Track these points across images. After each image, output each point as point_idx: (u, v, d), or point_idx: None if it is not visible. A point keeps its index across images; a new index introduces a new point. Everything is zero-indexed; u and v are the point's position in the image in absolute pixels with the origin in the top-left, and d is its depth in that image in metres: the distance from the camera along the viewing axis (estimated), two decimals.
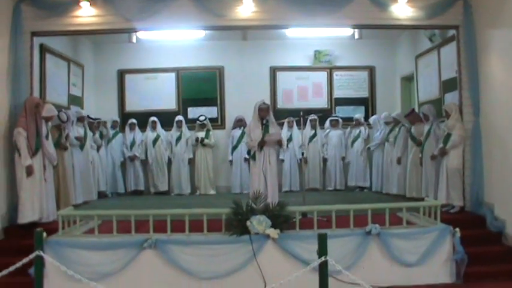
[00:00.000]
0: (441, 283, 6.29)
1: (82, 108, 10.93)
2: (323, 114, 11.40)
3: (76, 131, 9.49)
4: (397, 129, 10.19)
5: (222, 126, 12.35)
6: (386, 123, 10.70)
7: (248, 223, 6.11)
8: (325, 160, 11.99)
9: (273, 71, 12.42)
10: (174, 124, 11.78)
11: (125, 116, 12.21)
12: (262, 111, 7.68)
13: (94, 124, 10.69)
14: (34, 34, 8.12)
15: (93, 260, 6.03)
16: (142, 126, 11.92)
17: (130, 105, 12.39)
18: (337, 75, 12.49)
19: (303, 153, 9.27)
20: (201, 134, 11.78)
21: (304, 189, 8.56)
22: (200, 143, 11.71)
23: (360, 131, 11.70)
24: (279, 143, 7.89)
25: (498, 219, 7.25)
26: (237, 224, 6.18)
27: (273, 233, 6.08)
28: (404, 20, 8.26)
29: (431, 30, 9.45)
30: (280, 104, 12.40)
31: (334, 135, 11.91)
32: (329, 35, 11.41)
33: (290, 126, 11.86)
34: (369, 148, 11.54)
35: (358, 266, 6.08)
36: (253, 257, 6.04)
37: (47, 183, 7.53)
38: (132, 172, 11.84)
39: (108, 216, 6.59)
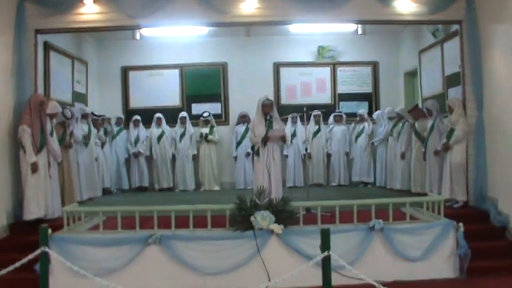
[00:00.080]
0: (445, 278, 6.31)
1: (86, 105, 10.95)
2: (327, 110, 11.37)
3: (80, 128, 9.51)
4: (400, 124, 10.18)
5: (225, 122, 12.37)
6: (390, 118, 10.70)
7: (252, 219, 6.14)
8: (329, 155, 12.00)
9: (277, 66, 12.42)
10: (178, 120, 11.80)
11: (129, 112, 12.23)
12: (265, 107, 7.68)
13: (98, 121, 10.71)
14: (38, 32, 8.15)
15: (98, 256, 6.08)
16: (147, 123, 11.93)
17: (135, 102, 12.40)
18: (340, 70, 12.48)
19: (306, 149, 9.28)
20: (205, 130, 11.80)
21: (308, 184, 8.56)
22: (204, 139, 11.73)
23: (363, 127, 11.70)
24: (283, 138, 7.89)
25: (502, 214, 7.24)
26: (241, 220, 6.21)
27: (277, 228, 6.10)
28: (407, 15, 8.26)
29: (435, 26, 9.45)
30: (284, 100, 12.41)
31: (338, 130, 11.92)
32: (332, 30, 11.44)
33: (294, 122, 11.87)
34: (372, 143, 11.54)
35: (362, 261, 6.10)
36: (257, 253, 6.07)
37: (51, 180, 7.57)
38: (137, 168, 11.87)
39: (113, 212, 6.62)
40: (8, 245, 6.83)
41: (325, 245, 4.67)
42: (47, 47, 9.22)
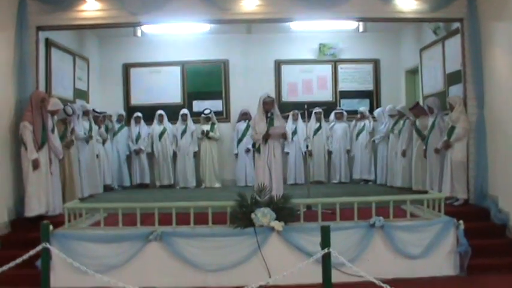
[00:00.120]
0: (445, 275, 6.32)
1: (88, 102, 10.98)
2: (328, 107, 11.35)
3: (82, 125, 9.53)
4: (401, 122, 10.19)
5: (227, 119, 12.38)
6: (391, 116, 10.71)
7: (253, 216, 6.16)
8: (330, 153, 12.02)
9: (278, 64, 12.43)
10: (179, 117, 11.81)
11: (130, 109, 12.24)
12: (266, 105, 7.68)
13: (99, 118, 10.72)
14: (39, 28, 8.16)
15: (99, 253, 6.10)
16: (148, 120, 11.95)
17: (136, 99, 12.42)
18: (341, 68, 12.49)
19: (307, 146, 9.29)
20: (206, 127, 11.81)
21: (309, 182, 8.57)
22: (205, 136, 11.74)
23: (364, 124, 11.70)
24: (284, 136, 7.90)
25: (502, 212, 7.25)
26: (241, 217, 6.23)
27: (278, 225, 6.12)
28: (408, 13, 8.26)
29: (436, 23, 9.45)
30: (285, 97, 12.42)
31: (339, 128, 11.93)
32: (333, 28, 11.38)
33: (295, 119, 11.88)
34: (373, 141, 11.55)
35: (362, 259, 6.12)
36: (258, 249, 6.09)
37: (53, 177, 7.58)
38: (138, 165, 11.89)
39: (114, 209, 6.65)
40: (9, 242, 6.84)
41: (325, 242, 4.68)
42: (49, 43, 9.23)
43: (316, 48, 12.42)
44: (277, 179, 7.58)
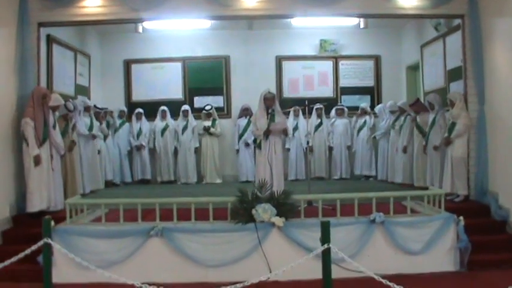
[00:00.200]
0: (445, 271, 6.35)
1: (89, 98, 10.97)
2: (329, 103, 11.41)
3: (83, 121, 9.54)
4: (402, 118, 10.20)
5: (228, 115, 12.39)
6: (392, 112, 10.70)
7: (253, 211, 6.18)
8: (330, 149, 12.03)
9: (279, 60, 12.43)
10: (180, 113, 11.81)
11: (131, 105, 12.25)
12: (267, 101, 7.67)
13: (101, 114, 10.73)
14: (41, 25, 8.16)
15: (100, 248, 6.13)
16: (149, 116, 11.96)
17: (137, 95, 12.43)
18: (342, 64, 12.49)
19: (308, 142, 9.29)
20: (207, 123, 11.83)
21: (310, 177, 8.59)
22: (207, 131, 11.76)
23: (365, 120, 11.71)
24: (285, 132, 7.90)
25: (502, 208, 7.26)
26: (242, 213, 6.25)
27: (278, 221, 6.14)
28: (409, 9, 8.26)
29: (437, 19, 9.44)
30: (286, 93, 12.42)
31: (340, 124, 11.94)
32: (334, 24, 11.40)
33: (296, 115, 11.89)
34: (374, 137, 11.56)
35: (363, 254, 6.15)
36: (259, 245, 6.12)
37: (54, 173, 7.60)
38: (139, 161, 11.91)
39: (115, 204, 6.68)
40: (11, 237, 6.89)
41: (325, 238, 4.70)
42: (50, 40, 9.23)
43: (317, 44, 12.41)
44: (278, 175, 7.57)
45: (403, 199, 6.92)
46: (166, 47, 12.24)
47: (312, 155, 11.64)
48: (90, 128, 9.77)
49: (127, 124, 11.95)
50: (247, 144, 11.68)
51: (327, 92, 12.44)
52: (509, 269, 6.34)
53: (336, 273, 5.05)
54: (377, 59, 12.46)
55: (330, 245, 4.68)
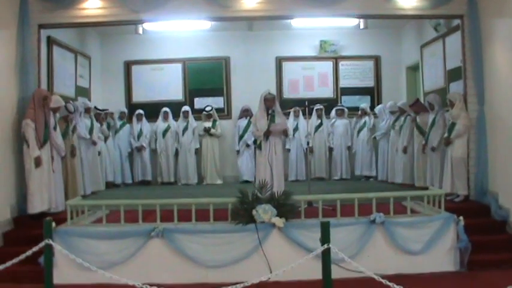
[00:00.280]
0: (445, 271, 6.36)
1: (89, 99, 10.98)
2: (329, 104, 11.43)
3: (84, 123, 9.56)
4: (402, 118, 10.21)
5: (228, 116, 12.40)
6: (392, 112, 10.71)
7: (254, 212, 6.19)
8: (331, 149, 12.05)
9: (279, 61, 12.45)
10: (181, 114, 11.83)
11: (131, 106, 12.26)
12: (268, 102, 7.68)
13: (101, 115, 10.76)
14: (41, 26, 8.18)
15: (101, 249, 6.14)
16: (150, 117, 11.98)
17: (137, 96, 12.45)
18: (342, 65, 12.50)
19: (308, 143, 9.30)
20: (208, 124, 11.84)
21: (310, 178, 8.60)
22: (207, 132, 11.77)
23: (365, 121, 11.72)
24: (285, 132, 7.91)
25: (502, 208, 7.27)
26: (243, 213, 6.26)
27: (279, 221, 6.15)
28: (409, 10, 8.29)
29: (437, 20, 9.45)
30: (286, 94, 12.44)
31: (340, 124, 11.95)
32: (334, 24, 11.42)
33: (296, 116, 11.90)
34: (374, 138, 11.56)
35: (363, 255, 6.16)
36: (259, 246, 6.13)
37: (55, 174, 7.61)
38: (140, 162, 11.92)
39: (116, 206, 6.69)
40: (12, 238, 6.90)
41: (324, 238, 4.71)
42: (50, 41, 9.24)
43: (317, 45, 12.42)
44: (278, 176, 7.59)
45: (403, 199, 6.93)
46: (166, 48, 12.26)
47: (312, 156, 11.66)
48: (91, 130, 9.76)
49: (127, 125, 11.95)
50: (247, 145, 11.68)
51: (327, 92, 12.45)
52: (509, 269, 6.34)
53: (336, 273, 5.07)
54: (377, 60, 12.47)
55: (330, 245, 4.69)
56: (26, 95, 7.64)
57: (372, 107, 12.03)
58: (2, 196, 7.15)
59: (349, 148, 12.01)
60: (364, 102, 12.10)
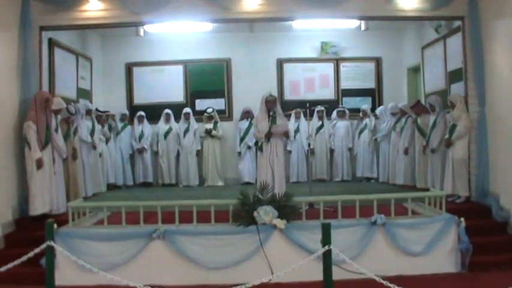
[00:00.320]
0: (446, 272, 6.35)
1: (91, 101, 11.01)
2: (330, 106, 11.46)
3: (85, 125, 9.57)
4: (403, 120, 10.22)
5: (229, 118, 12.41)
6: (393, 114, 10.72)
7: (255, 214, 6.19)
8: (332, 151, 12.05)
9: (280, 62, 12.46)
10: (182, 116, 11.85)
11: (133, 108, 12.27)
12: (269, 103, 7.68)
13: (102, 117, 10.78)
14: (42, 28, 8.21)
15: (102, 251, 6.15)
16: (151, 119, 11.99)
17: (139, 98, 12.46)
18: (343, 66, 12.51)
19: (309, 144, 9.31)
20: (209, 126, 11.84)
21: (311, 180, 8.59)
22: (208, 134, 11.78)
23: (366, 122, 11.72)
24: (286, 134, 7.91)
25: (503, 209, 7.27)
26: (244, 215, 6.27)
27: (280, 223, 6.16)
28: (409, 12, 8.30)
29: (437, 21, 9.46)
30: (288, 96, 12.45)
31: (341, 126, 11.95)
32: (335, 26, 11.36)
33: (297, 118, 11.91)
34: (375, 139, 11.56)
35: (364, 256, 6.16)
36: (260, 247, 6.13)
37: (56, 176, 7.63)
38: (141, 164, 11.92)
39: (117, 207, 6.70)
40: (14, 240, 6.92)
41: (325, 240, 4.72)
42: (52, 43, 9.26)
43: (318, 46, 12.44)
44: (280, 177, 7.59)
45: (404, 201, 6.93)
46: (167, 50, 12.28)
47: (313, 157, 11.67)
48: (92, 132, 9.79)
49: (129, 127, 11.95)
50: (248, 147, 11.68)
51: (328, 94, 12.46)
52: (510, 270, 6.34)
53: (337, 274, 5.06)
54: (378, 61, 12.48)
55: (331, 247, 4.70)
56: (28, 97, 7.66)
57: (373, 109, 12.04)
58: (3, 198, 7.17)
59: (350, 150, 12.01)
60: (365, 104, 12.11)
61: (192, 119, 11.85)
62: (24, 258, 5.03)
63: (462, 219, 6.39)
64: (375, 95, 12.47)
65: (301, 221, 6.40)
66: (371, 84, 12.50)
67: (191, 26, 10.80)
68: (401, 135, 10.18)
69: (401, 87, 12.32)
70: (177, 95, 12.43)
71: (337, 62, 12.49)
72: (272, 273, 5.77)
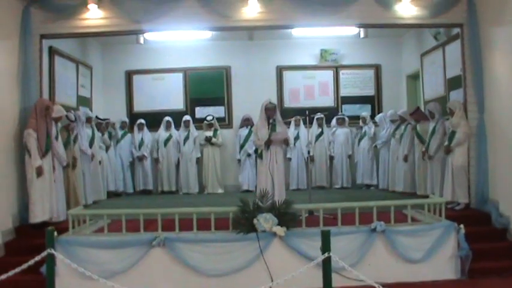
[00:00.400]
0: (446, 279, 6.33)
1: (91, 109, 11.04)
2: (329, 113, 11.49)
3: (85, 133, 9.58)
4: (403, 127, 10.23)
5: (229, 125, 12.44)
6: (392, 121, 10.74)
7: (255, 221, 6.19)
8: (331, 158, 12.06)
9: (280, 70, 12.49)
10: (182, 124, 11.87)
11: (133, 116, 12.29)
12: (268, 111, 7.68)
13: (102, 125, 10.80)
14: (43, 37, 8.22)
15: (103, 258, 6.13)
16: (151, 126, 12.01)
17: (139, 106, 12.48)
18: (343, 73, 12.54)
19: (309, 152, 9.31)
20: (209, 134, 11.86)
21: (311, 187, 8.60)
22: (208, 141, 11.79)
23: (365, 130, 11.74)
24: (286, 141, 7.91)
25: (503, 216, 7.27)
26: (244, 222, 6.26)
27: (280, 230, 6.15)
28: (408, 19, 8.32)
29: (436, 29, 9.49)
30: (287, 103, 12.47)
31: (341, 133, 11.97)
32: (335, 34, 11.43)
33: (297, 125, 11.93)
34: (375, 146, 11.58)
35: (364, 263, 6.15)
36: (260, 255, 6.12)
37: (56, 184, 7.64)
38: (141, 172, 11.93)
39: (117, 215, 6.69)
40: (14, 248, 6.92)
41: (325, 247, 4.73)
42: (52, 51, 9.30)
43: (317, 54, 12.48)
44: (279, 185, 7.58)
45: (403, 208, 6.94)
46: (167, 58, 12.32)
47: (313, 165, 11.68)
48: (92, 140, 9.81)
49: (129, 135, 11.97)
50: (248, 155, 11.69)
51: (328, 101, 12.50)
52: (510, 277, 6.33)
53: (337, 281, 5.09)
54: (377, 68, 12.52)
55: (331, 254, 4.71)
56: (28, 104, 7.68)
57: (373, 116, 12.06)
58: (3, 205, 7.17)
59: (350, 157, 12.03)
60: (364, 111, 12.14)
61: (192, 126, 11.88)
62: (24, 266, 5.04)
63: (462, 226, 6.39)
64: (374, 102, 12.51)
65: (301, 228, 6.39)
66: (370, 91, 12.54)
67: (191, 33, 10.85)
68: (400, 142, 10.20)
69: (401, 95, 12.34)
70: (177, 102, 12.45)
71: (337, 69, 12.52)
72: (272, 281, 5.79)
